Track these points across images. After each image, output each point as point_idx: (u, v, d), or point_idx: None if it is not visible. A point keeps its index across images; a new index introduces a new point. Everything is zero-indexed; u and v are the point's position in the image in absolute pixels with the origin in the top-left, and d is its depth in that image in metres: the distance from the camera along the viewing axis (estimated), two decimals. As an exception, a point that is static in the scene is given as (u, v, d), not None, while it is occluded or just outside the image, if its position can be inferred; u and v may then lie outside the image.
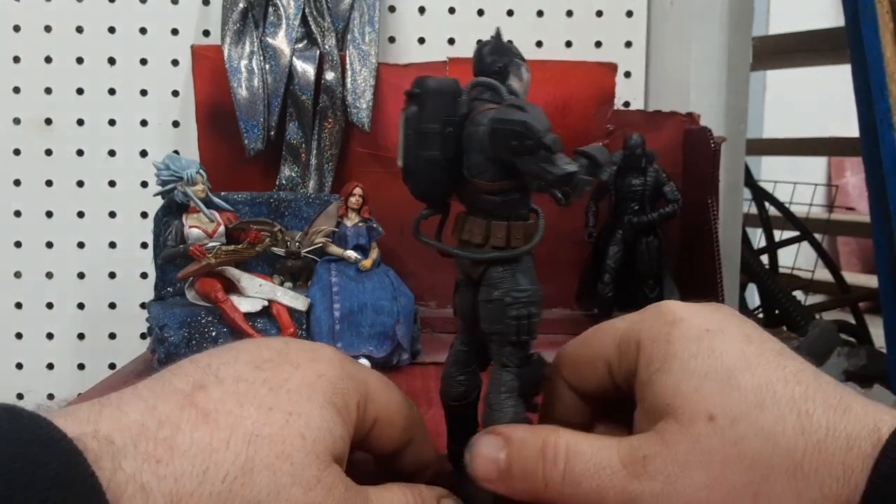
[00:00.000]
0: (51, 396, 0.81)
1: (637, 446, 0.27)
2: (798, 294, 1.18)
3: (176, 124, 0.79)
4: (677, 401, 0.26)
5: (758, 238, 1.25)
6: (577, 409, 0.32)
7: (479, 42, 0.33)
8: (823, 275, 1.27)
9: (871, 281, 1.27)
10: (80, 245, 0.80)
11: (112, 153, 0.79)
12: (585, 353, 0.31)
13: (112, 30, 0.78)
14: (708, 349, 0.27)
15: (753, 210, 1.17)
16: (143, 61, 0.78)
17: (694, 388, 0.26)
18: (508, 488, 0.28)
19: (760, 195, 1.18)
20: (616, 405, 0.32)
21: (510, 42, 0.33)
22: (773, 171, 1.52)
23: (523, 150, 0.28)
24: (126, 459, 0.22)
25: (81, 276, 0.80)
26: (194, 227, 0.60)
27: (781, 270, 1.21)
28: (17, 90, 0.78)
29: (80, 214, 0.79)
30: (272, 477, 0.23)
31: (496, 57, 0.32)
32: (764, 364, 0.27)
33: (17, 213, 0.79)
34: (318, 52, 0.70)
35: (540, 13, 0.79)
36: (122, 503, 0.21)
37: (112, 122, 0.79)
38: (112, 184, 0.79)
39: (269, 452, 0.24)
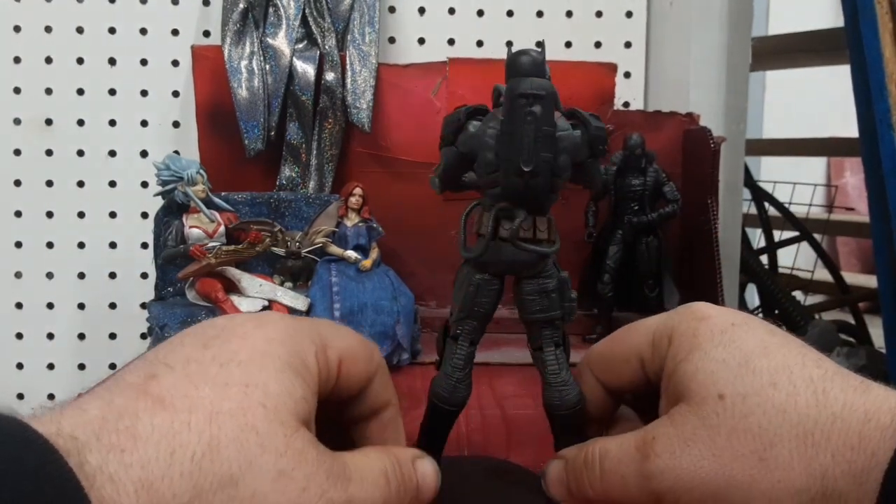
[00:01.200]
0: (51, 397, 0.81)
1: (648, 431, 0.29)
2: (797, 294, 1.19)
3: (176, 124, 0.79)
4: (692, 385, 0.28)
5: (757, 238, 1.26)
6: (603, 403, 0.34)
7: (514, 49, 0.33)
8: (823, 275, 1.27)
9: (871, 281, 1.27)
10: (81, 245, 0.80)
11: (112, 153, 0.79)
12: (618, 351, 0.33)
13: (112, 30, 0.78)
14: (730, 339, 0.29)
15: (753, 210, 1.18)
16: (144, 62, 0.78)
17: (710, 372, 0.28)
18: (576, 502, 0.32)
19: (760, 195, 1.18)
20: (646, 398, 0.33)
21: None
22: (773, 172, 1.52)
23: (602, 153, 0.33)
24: (91, 453, 0.22)
25: (82, 276, 0.80)
26: (195, 227, 0.60)
27: (781, 270, 1.22)
28: (17, 90, 0.78)
29: (81, 215, 0.79)
30: (240, 449, 0.24)
31: (545, 68, 0.33)
32: (784, 351, 0.28)
33: (18, 214, 0.79)
34: (318, 52, 0.70)
35: (540, 14, 0.79)
36: (92, 494, 0.21)
37: (112, 123, 0.79)
38: (112, 184, 0.79)
39: (232, 427, 0.24)
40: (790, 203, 1.26)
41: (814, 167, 2.53)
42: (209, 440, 0.23)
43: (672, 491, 0.27)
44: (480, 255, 0.33)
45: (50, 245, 0.80)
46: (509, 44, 0.34)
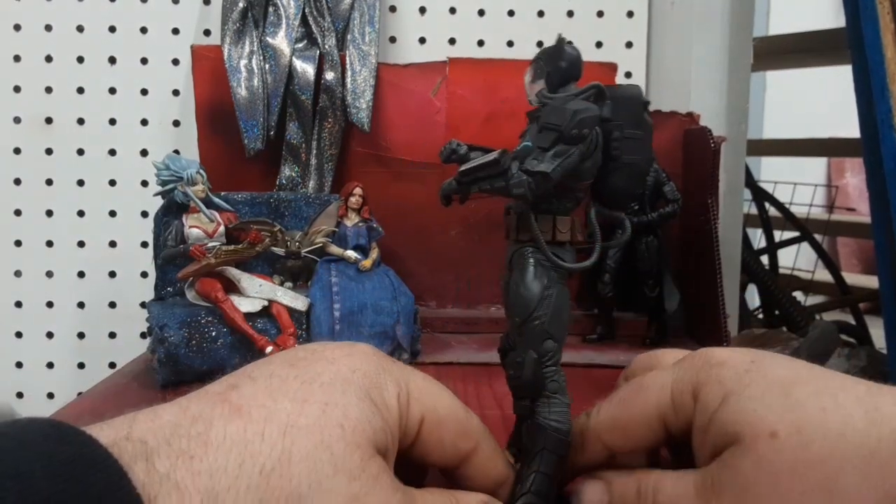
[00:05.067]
0: (51, 395, 0.81)
1: (706, 474, 0.27)
2: (798, 295, 1.19)
3: (176, 124, 0.79)
4: (738, 427, 0.26)
5: (758, 238, 1.25)
6: (604, 463, 0.32)
7: (548, 46, 0.32)
8: (823, 275, 1.27)
9: (872, 282, 1.27)
10: (81, 244, 0.80)
11: (112, 152, 0.79)
12: (635, 414, 0.31)
13: (113, 29, 0.78)
14: (759, 376, 0.27)
15: (753, 210, 1.17)
16: (144, 60, 0.78)
17: (753, 410, 0.26)
18: None
19: (760, 195, 1.17)
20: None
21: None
22: (774, 172, 1.52)
23: None
24: (160, 459, 0.21)
25: (81, 275, 0.80)
26: (194, 226, 0.60)
27: (781, 271, 1.21)
28: (17, 89, 0.78)
29: (81, 213, 0.79)
30: (312, 467, 0.23)
31: None
32: (818, 375, 0.27)
33: (18, 212, 0.79)
34: (317, 51, 0.70)
35: (541, 13, 0.79)
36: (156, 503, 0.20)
37: (112, 122, 0.79)
38: (112, 183, 0.79)
39: (306, 443, 0.23)
40: (791, 203, 1.26)
41: (814, 168, 2.53)
42: (280, 453, 0.23)
43: None
44: (596, 261, 0.31)
45: (50, 244, 0.80)
46: (562, 39, 0.33)
